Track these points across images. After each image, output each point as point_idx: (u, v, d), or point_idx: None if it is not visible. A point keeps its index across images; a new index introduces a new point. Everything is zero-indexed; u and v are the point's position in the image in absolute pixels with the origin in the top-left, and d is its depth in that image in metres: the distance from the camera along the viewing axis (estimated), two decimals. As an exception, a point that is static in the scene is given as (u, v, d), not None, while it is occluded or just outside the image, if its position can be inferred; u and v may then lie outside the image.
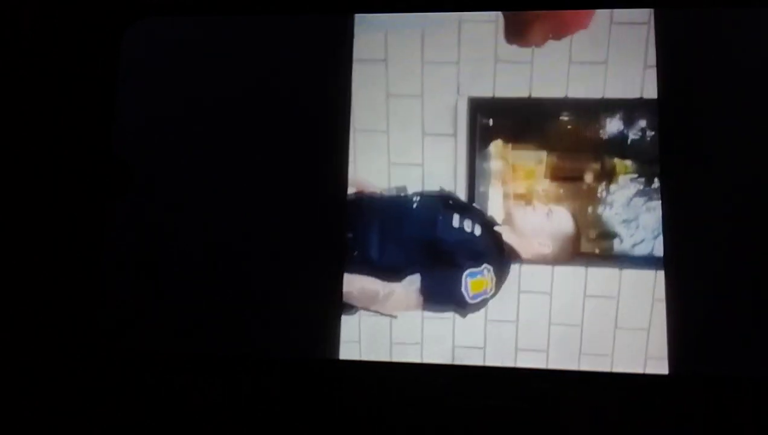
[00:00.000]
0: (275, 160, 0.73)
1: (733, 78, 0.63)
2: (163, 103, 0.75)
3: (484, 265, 0.50)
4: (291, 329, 0.69)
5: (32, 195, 0.73)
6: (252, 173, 0.73)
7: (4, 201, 0.72)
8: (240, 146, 0.73)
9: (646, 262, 0.54)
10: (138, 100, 0.75)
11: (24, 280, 0.71)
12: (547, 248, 0.50)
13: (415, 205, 0.52)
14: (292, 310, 0.69)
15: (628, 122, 0.58)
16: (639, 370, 0.57)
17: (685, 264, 0.58)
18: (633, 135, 0.58)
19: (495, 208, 0.52)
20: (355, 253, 0.54)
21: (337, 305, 0.66)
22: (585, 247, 0.53)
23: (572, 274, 0.53)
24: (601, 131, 0.57)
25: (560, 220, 0.51)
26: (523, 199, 0.53)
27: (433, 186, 0.55)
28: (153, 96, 0.76)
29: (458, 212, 0.51)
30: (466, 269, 0.50)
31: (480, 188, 0.53)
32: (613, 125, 0.58)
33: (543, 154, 0.55)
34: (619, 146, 0.57)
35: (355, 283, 0.53)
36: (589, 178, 0.55)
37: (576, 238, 0.50)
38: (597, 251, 0.53)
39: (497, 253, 0.50)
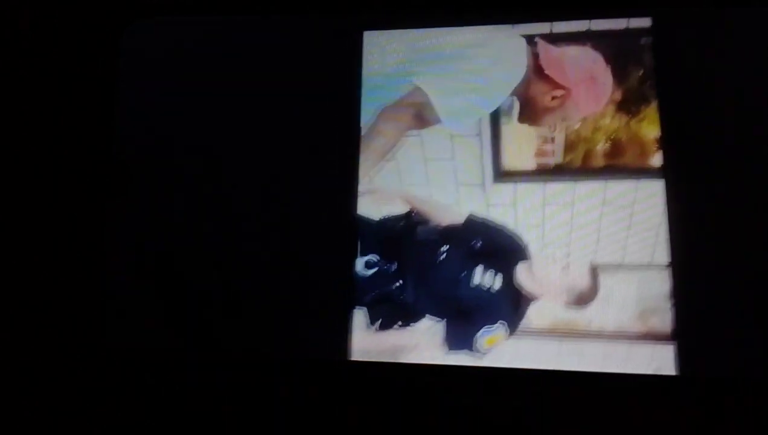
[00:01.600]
0: (278, 160, 0.73)
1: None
2: (163, 103, 0.75)
3: (499, 322, 0.54)
4: (294, 329, 0.69)
5: (32, 195, 0.73)
6: (253, 172, 0.73)
7: (4, 201, 0.72)
8: (241, 145, 0.73)
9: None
10: (138, 100, 0.75)
11: (25, 281, 0.71)
12: (562, 299, 0.54)
13: (443, 258, 0.55)
14: (296, 309, 0.69)
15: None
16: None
17: (692, 266, 0.57)
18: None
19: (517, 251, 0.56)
20: (397, 293, 0.57)
21: (348, 304, 0.64)
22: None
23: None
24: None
25: (576, 274, 0.54)
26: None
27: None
28: (153, 96, 0.76)
29: (481, 262, 0.54)
30: (482, 326, 0.53)
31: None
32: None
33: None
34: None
35: (387, 340, 0.57)
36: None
37: (592, 290, 0.54)
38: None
39: (512, 308, 0.53)
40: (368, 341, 0.58)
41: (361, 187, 0.64)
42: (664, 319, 0.54)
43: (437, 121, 0.62)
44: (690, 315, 0.56)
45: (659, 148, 0.58)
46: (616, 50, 0.60)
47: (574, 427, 0.63)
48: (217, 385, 0.68)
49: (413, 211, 0.59)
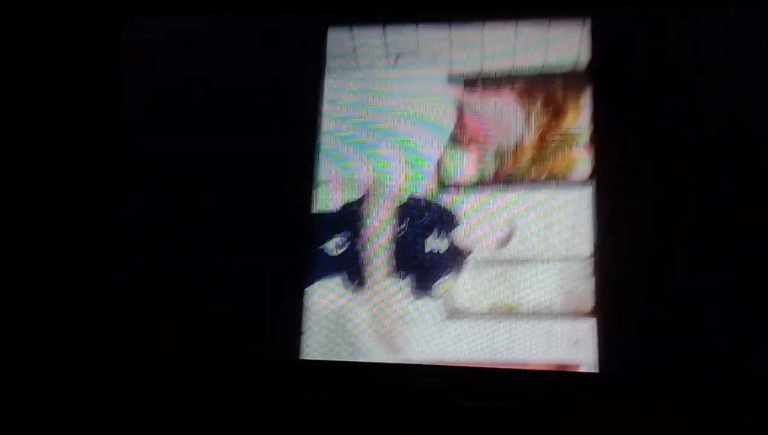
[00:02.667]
0: (276, 159, 0.73)
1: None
2: (162, 102, 0.75)
3: (447, 276, 0.70)
4: (291, 329, 0.69)
5: (32, 194, 0.73)
6: (253, 172, 0.73)
7: (4, 201, 0.72)
8: (241, 145, 0.73)
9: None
10: (137, 98, 0.75)
11: (24, 281, 0.71)
12: (492, 248, 0.70)
13: (402, 234, 0.72)
14: (291, 310, 0.69)
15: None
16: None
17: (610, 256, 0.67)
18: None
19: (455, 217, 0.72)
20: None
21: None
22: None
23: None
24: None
25: (501, 226, 0.70)
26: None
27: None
28: (152, 95, 0.76)
29: (430, 233, 0.72)
30: (436, 281, 0.70)
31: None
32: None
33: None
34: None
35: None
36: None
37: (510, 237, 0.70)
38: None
39: (456, 265, 0.70)
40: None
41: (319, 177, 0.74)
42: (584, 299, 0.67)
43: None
44: (607, 297, 0.66)
45: (582, 161, 0.70)
46: (537, 85, 0.72)
47: (569, 426, 0.63)
48: (216, 385, 0.68)
49: (367, 195, 0.73)
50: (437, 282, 0.70)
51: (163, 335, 0.71)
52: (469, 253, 0.70)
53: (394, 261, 0.71)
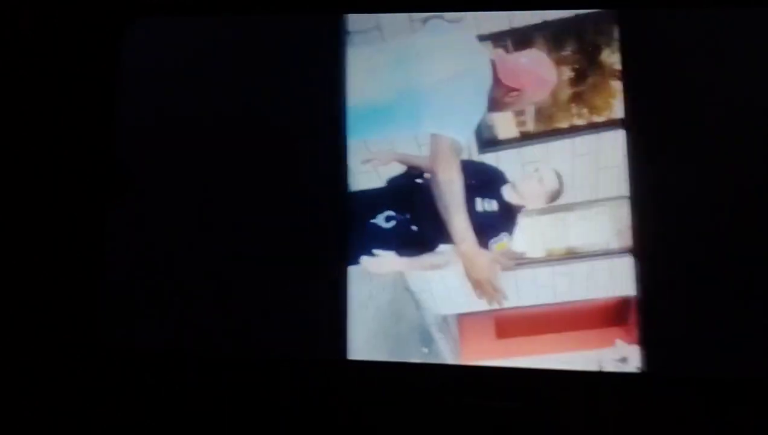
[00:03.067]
0: (276, 159, 0.73)
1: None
2: (163, 102, 0.75)
3: (502, 234, 0.71)
4: (291, 329, 0.70)
5: (32, 195, 0.73)
6: (253, 172, 0.73)
7: (4, 202, 0.72)
8: (241, 146, 0.74)
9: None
10: (138, 99, 0.75)
11: (24, 281, 0.71)
12: (542, 203, 0.71)
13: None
14: (293, 309, 0.70)
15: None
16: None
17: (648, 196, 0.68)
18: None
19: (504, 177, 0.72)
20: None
21: (342, 302, 0.70)
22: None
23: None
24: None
25: (549, 180, 0.71)
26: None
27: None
28: (153, 95, 0.76)
29: (479, 195, 0.72)
30: (491, 239, 0.71)
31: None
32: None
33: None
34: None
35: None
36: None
37: (559, 189, 0.71)
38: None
39: (509, 222, 0.71)
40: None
41: (361, 157, 0.73)
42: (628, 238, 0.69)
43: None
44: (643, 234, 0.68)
45: (615, 105, 0.71)
46: (567, 30, 0.72)
47: (569, 426, 0.64)
48: (216, 385, 0.68)
49: (409, 168, 0.73)
50: (494, 240, 0.70)
51: (163, 336, 0.71)
52: (521, 208, 0.71)
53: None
